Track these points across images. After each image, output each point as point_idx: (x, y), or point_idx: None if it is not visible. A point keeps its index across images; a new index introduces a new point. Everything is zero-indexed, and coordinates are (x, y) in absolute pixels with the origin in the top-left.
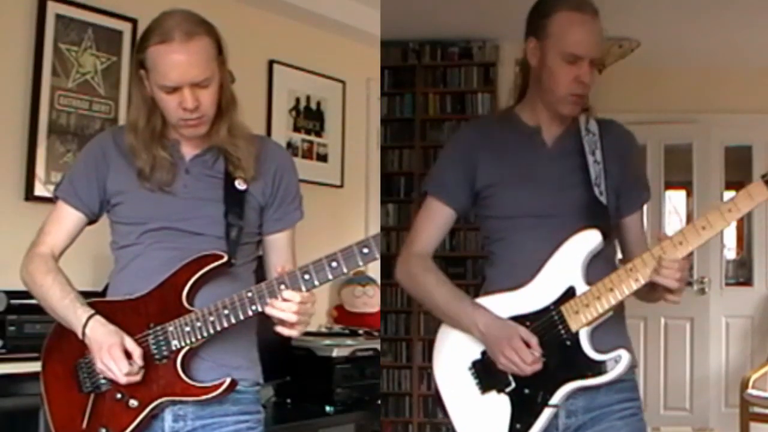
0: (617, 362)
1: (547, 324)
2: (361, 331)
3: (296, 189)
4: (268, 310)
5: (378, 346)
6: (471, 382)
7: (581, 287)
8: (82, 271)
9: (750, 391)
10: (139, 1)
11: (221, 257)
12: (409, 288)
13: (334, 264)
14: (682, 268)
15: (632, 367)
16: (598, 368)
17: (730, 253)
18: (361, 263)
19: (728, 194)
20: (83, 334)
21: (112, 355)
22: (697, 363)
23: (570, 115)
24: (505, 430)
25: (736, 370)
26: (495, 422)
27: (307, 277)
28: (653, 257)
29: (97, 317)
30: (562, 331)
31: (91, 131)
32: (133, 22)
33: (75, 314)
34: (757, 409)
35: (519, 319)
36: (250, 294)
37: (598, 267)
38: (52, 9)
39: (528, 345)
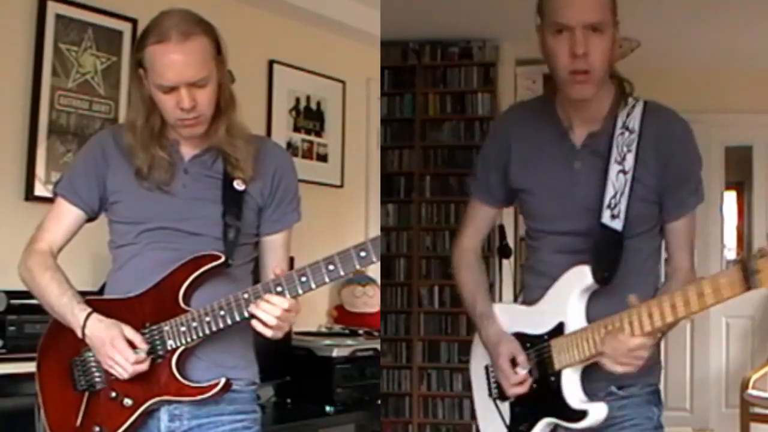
0: (590, 414)
1: (539, 352)
2: (361, 331)
3: (295, 190)
4: (252, 309)
5: (378, 346)
6: (485, 384)
7: (570, 325)
8: (81, 270)
9: (750, 391)
10: (139, 1)
11: (218, 258)
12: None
13: (331, 267)
14: (633, 353)
15: (652, 385)
16: (571, 415)
17: (731, 253)
18: (358, 266)
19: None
20: (83, 334)
21: (116, 347)
22: (698, 363)
23: (579, 98)
24: None
25: (737, 370)
26: (496, 428)
27: (303, 279)
28: (628, 319)
29: (95, 315)
30: (548, 366)
31: (91, 131)
32: (133, 22)
33: (72, 312)
34: (757, 410)
35: (522, 337)
36: (246, 295)
37: (601, 303)
38: (52, 9)
39: (515, 363)
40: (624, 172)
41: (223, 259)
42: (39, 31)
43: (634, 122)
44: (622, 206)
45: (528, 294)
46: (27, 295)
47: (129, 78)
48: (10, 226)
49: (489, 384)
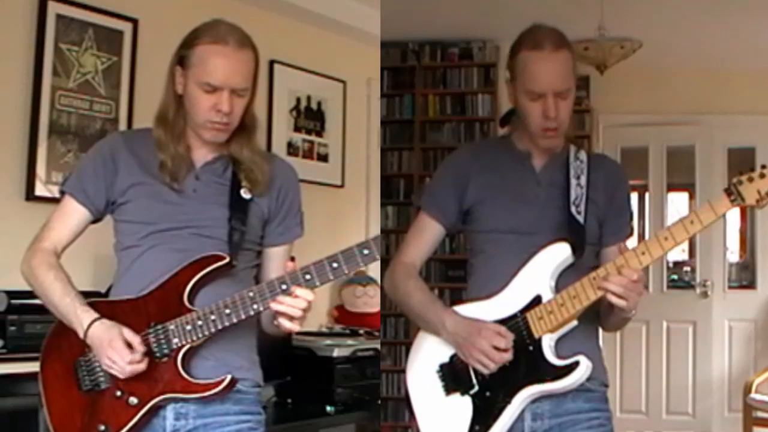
0: (575, 368)
1: (512, 329)
2: (361, 331)
3: (299, 206)
4: (275, 306)
5: (379, 346)
6: (437, 384)
7: (548, 296)
8: (83, 271)
9: (753, 395)
10: (140, 1)
11: (223, 258)
12: (391, 293)
13: (335, 264)
14: (631, 283)
15: (605, 385)
16: (557, 373)
17: (733, 256)
18: (361, 264)
19: None
20: (85, 335)
21: (114, 347)
22: (700, 367)
23: (548, 148)
24: (465, 431)
25: (739, 374)
26: (456, 423)
27: (308, 277)
28: (615, 267)
29: (101, 320)
30: (526, 337)
31: (91, 131)
32: (134, 22)
33: (75, 314)
34: (760, 414)
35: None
36: (251, 294)
37: (571, 280)
38: (53, 9)
39: (499, 333)
40: (580, 186)
41: (227, 259)
42: (39, 31)
43: (583, 156)
44: (582, 207)
45: (479, 292)
46: (28, 295)
47: (130, 78)
48: (11, 226)
49: (446, 382)
